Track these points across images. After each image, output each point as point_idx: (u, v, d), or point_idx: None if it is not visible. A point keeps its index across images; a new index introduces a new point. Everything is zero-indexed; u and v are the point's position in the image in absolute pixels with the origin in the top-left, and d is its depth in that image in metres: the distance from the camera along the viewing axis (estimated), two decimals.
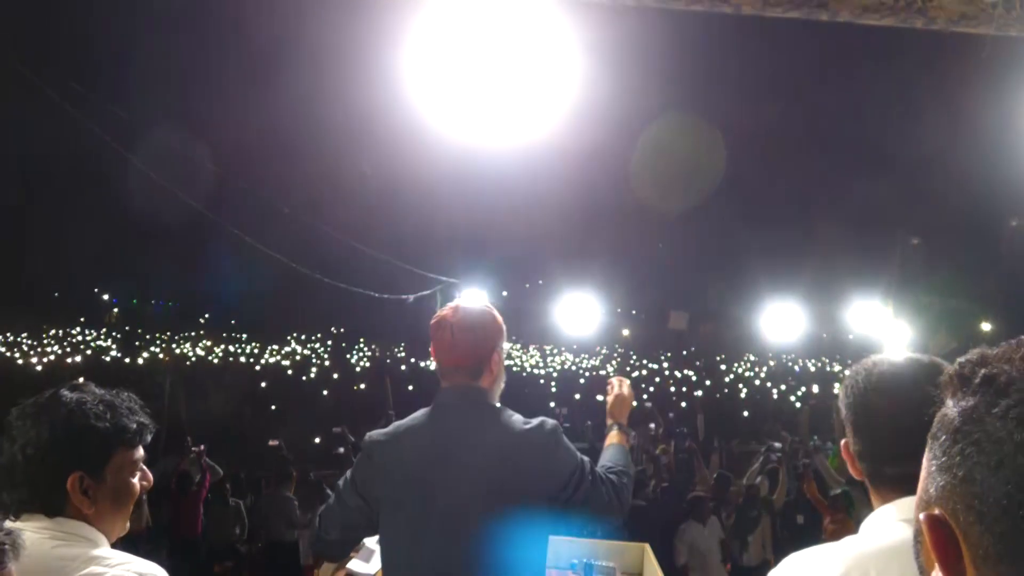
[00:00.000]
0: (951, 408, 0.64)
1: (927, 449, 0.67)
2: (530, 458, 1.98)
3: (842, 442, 1.38)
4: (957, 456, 0.61)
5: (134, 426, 1.49)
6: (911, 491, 1.20)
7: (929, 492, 0.64)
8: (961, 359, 0.66)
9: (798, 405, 26.06)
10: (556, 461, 2.02)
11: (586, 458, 2.12)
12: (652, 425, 12.34)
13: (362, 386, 32.29)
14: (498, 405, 2.14)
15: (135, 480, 1.50)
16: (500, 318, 2.22)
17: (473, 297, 11.64)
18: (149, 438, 1.54)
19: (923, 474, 0.67)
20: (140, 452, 1.51)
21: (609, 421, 2.47)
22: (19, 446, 1.40)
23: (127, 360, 47.46)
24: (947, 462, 0.62)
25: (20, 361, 43.70)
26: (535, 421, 2.07)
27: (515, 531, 1.92)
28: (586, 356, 66.30)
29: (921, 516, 0.63)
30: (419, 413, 2.12)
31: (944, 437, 0.64)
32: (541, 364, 63.64)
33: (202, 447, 8.79)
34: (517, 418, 2.08)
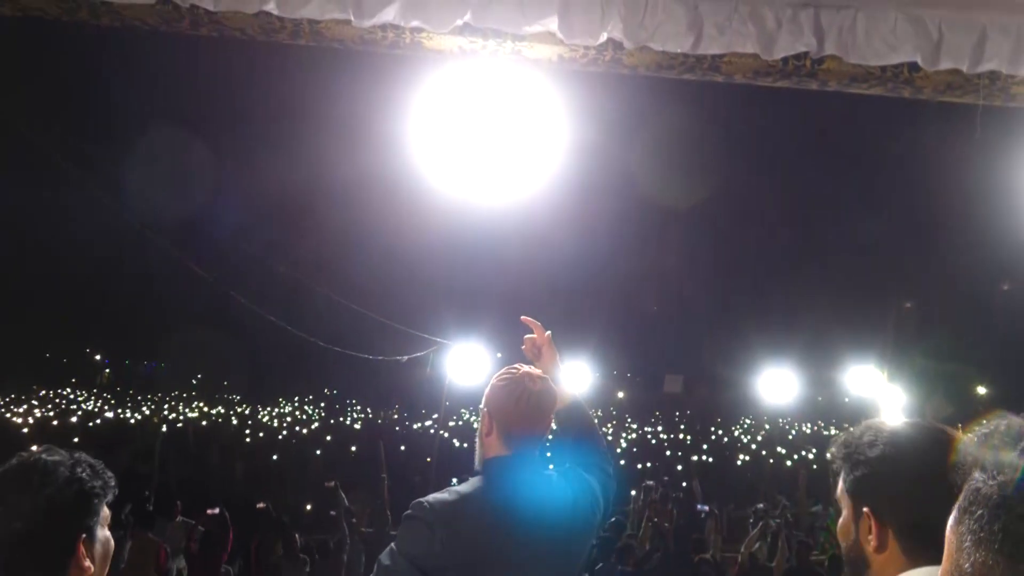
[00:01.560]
0: (985, 482, 0.63)
1: (956, 521, 0.65)
2: (583, 531, 2.10)
3: (845, 511, 1.37)
4: (999, 533, 0.60)
5: (112, 483, 1.52)
6: (930, 558, 1.21)
7: (963, 567, 0.63)
8: (985, 430, 0.65)
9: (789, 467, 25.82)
10: (598, 515, 2.14)
11: (592, 480, 2.17)
12: (651, 483, 12.20)
13: (354, 449, 32.00)
14: (548, 472, 2.15)
15: (109, 534, 1.53)
16: None
17: (470, 358, 11.66)
18: (111, 497, 1.55)
19: (953, 546, 0.65)
20: (106, 511, 1.53)
21: (570, 395, 2.41)
22: (16, 513, 1.39)
23: (121, 418, 46.95)
24: (986, 537, 0.61)
25: (15, 419, 43.15)
26: (579, 482, 2.14)
27: None
28: None
29: None
30: (474, 482, 2.04)
31: (981, 512, 0.62)
32: None
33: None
34: (566, 487, 2.11)
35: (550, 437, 2.20)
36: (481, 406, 2.13)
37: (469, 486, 2.02)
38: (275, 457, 29.90)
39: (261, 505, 10.10)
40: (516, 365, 2.19)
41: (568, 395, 2.35)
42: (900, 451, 1.32)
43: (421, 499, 1.96)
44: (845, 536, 1.38)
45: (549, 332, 2.46)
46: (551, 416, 2.14)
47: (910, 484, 1.29)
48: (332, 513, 10.09)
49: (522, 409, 2.06)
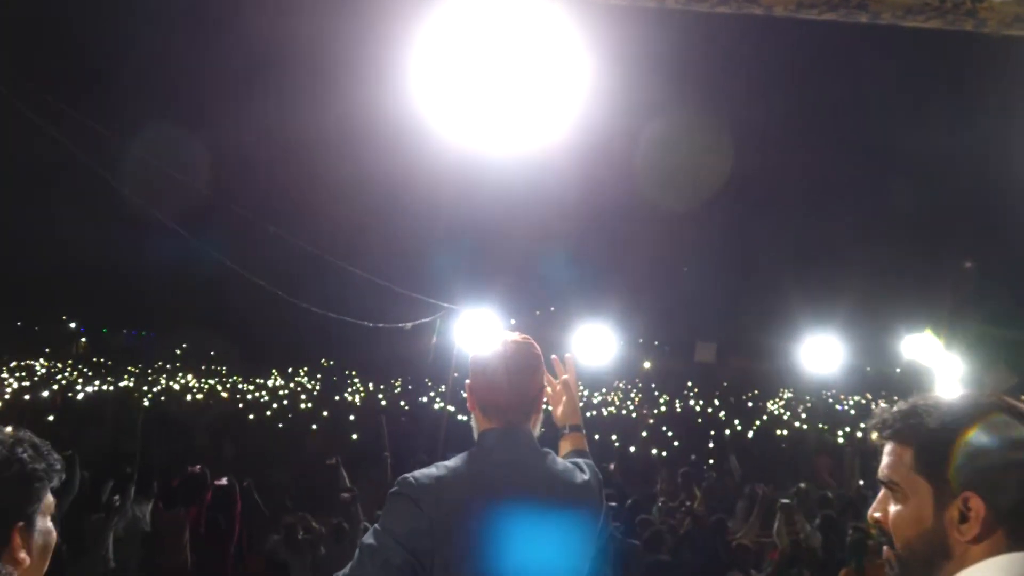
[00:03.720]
0: None
1: None
2: (589, 511, 2.12)
3: (914, 495, 1.34)
4: None
5: (58, 467, 1.46)
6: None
7: None
8: None
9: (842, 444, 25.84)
10: (602, 511, 2.19)
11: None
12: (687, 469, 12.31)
13: (352, 417, 32.29)
14: (545, 449, 2.18)
15: (51, 525, 1.46)
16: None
17: (496, 327, 11.68)
18: (57, 482, 1.48)
19: None
20: (50, 498, 1.46)
21: (564, 423, 2.52)
22: None
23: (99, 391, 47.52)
24: None
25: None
26: (586, 470, 2.19)
27: None
28: (604, 392, 66.01)
29: None
30: (461, 457, 2.10)
31: None
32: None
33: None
34: (567, 465, 2.16)
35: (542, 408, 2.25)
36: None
37: (458, 459, 2.09)
38: (268, 431, 30.21)
39: (223, 481, 9.59)
40: (508, 332, 2.25)
41: (579, 446, 2.45)
42: (995, 428, 1.30)
43: (407, 474, 2.03)
44: (915, 524, 1.33)
45: (567, 376, 2.58)
46: (531, 385, 2.18)
47: (1014, 465, 1.28)
48: (345, 495, 10.17)
49: (490, 380, 2.15)
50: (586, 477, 2.15)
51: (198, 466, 9.24)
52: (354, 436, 25.82)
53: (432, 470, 2.03)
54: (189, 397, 49.25)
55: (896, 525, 1.37)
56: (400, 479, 2.02)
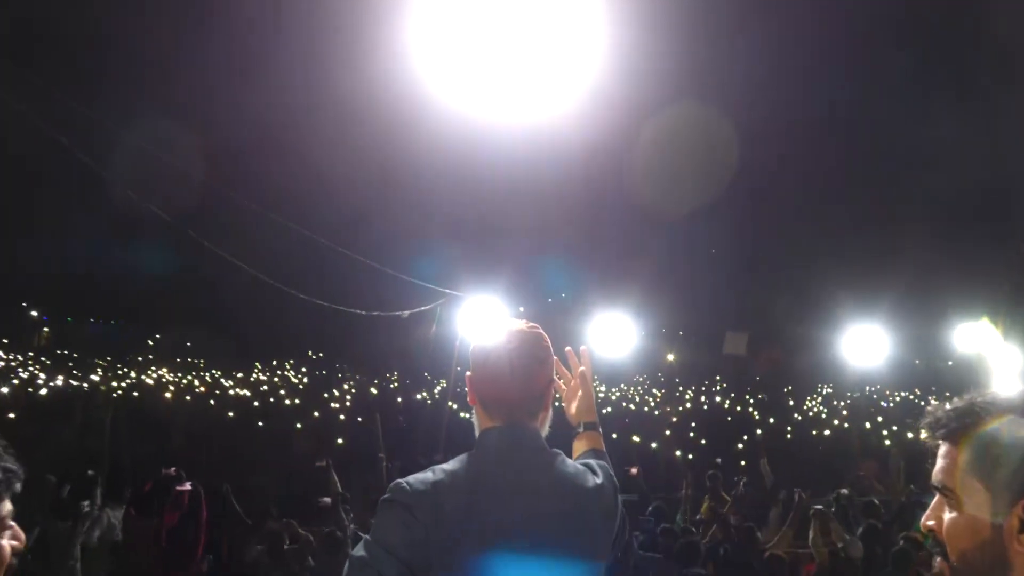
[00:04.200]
0: None
1: None
2: (601, 518, 2.09)
3: (969, 503, 1.32)
4: None
5: (19, 472, 1.44)
6: None
7: None
8: None
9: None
10: (617, 518, 2.14)
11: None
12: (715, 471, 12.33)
13: (342, 416, 32.42)
14: (554, 450, 2.16)
15: (5, 542, 1.45)
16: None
17: (502, 315, 11.70)
18: (18, 487, 1.45)
19: None
20: (8, 506, 1.45)
21: (579, 421, 2.51)
22: None
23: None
24: None
25: None
26: (599, 473, 2.16)
27: None
28: (623, 387, 66.05)
29: None
30: (460, 459, 2.09)
31: None
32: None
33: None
34: (577, 468, 2.14)
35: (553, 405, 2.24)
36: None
37: (457, 462, 2.08)
38: (251, 431, 30.33)
39: (186, 486, 9.40)
40: (515, 319, 2.24)
41: (595, 445, 2.44)
42: None
43: (401, 479, 2.00)
44: (970, 534, 1.32)
45: (583, 368, 2.55)
46: (539, 378, 2.16)
47: None
48: (325, 500, 10.24)
49: (493, 371, 2.13)
50: (599, 480, 2.13)
51: (173, 468, 9.27)
52: (341, 439, 25.94)
53: (428, 475, 2.01)
54: (163, 393, 49.49)
55: (950, 534, 1.35)
56: (393, 485, 2.00)
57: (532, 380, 2.14)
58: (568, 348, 2.55)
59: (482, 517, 1.94)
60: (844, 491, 10.88)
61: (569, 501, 2.04)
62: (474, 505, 1.95)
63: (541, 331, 2.23)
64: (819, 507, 8.61)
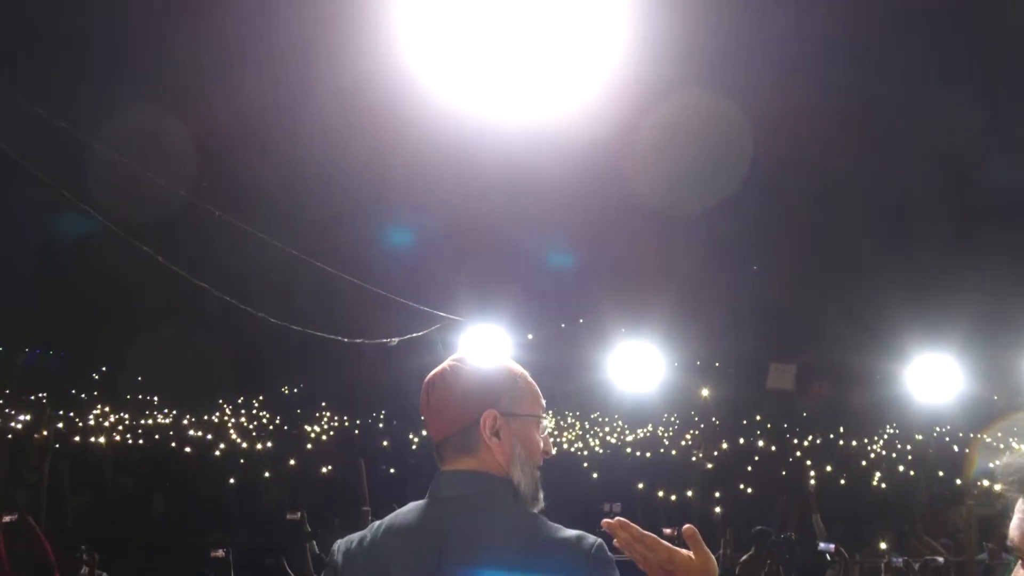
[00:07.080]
0: None
1: None
2: None
3: None
4: None
5: None
6: None
7: None
8: None
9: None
10: None
11: None
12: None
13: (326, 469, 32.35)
14: (533, 511, 2.04)
15: None
16: (513, 368, 2.17)
17: (485, 340, 11.70)
18: None
19: None
20: None
21: None
22: None
23: None
24: None
25: None
26: (567, 536, 1.93)
27: None
28: (650, 428, 65.88)
29: None
30: (408, 508, 2.07)
31: None
32: (582, 438, 63.21)
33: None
34: (545, 528, 1.94)
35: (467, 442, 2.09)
36: None
37: (402, 511, 2.08)
38: (212, 478, 30.31)
39: (12, 517, 8.90)
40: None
41: None
42: None
43: (341, 539, 2.08)
44: None
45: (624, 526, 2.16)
46: (460, 410, 2.06)
47: None
48: (218, 552, 10.16)
49: (424, 406, 2.15)
50: (572, 567, 1.87)
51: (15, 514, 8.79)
52: (325, 481, 25.89)
53: (366, 530, 2.04)
54: (109, 435, 49.43)
55: None
56: (334, 545, 2.06)
57: (448, 409, 2.08)
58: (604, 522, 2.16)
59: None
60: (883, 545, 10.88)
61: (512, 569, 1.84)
62: (392, 569, 1.92)
63: (497, 357, 2.22)
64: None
